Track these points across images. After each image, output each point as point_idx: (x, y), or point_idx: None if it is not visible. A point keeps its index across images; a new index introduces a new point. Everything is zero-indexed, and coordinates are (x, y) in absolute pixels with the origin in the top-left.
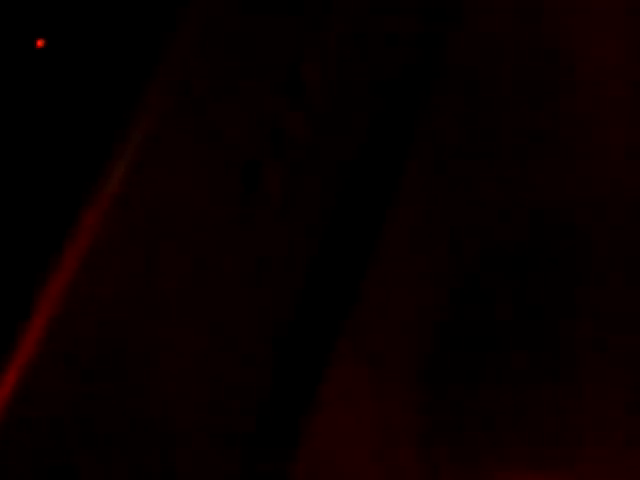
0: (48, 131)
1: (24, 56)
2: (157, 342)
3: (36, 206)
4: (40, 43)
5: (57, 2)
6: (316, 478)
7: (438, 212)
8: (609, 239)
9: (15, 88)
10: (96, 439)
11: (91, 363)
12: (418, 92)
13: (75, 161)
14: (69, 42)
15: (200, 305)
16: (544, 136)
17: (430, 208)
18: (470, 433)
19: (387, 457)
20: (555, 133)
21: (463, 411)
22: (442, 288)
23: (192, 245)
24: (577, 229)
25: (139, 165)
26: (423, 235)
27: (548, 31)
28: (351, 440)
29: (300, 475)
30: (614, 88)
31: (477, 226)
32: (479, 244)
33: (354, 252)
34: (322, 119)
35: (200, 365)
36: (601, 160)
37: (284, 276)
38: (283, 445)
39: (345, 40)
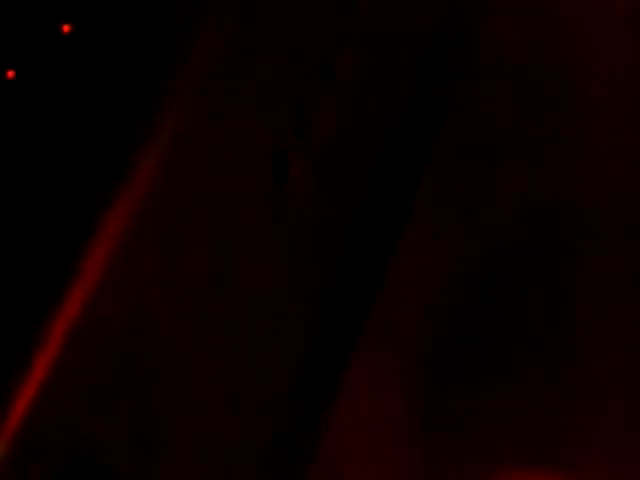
0: (75, 131)
1: (49, 53)
2: (187, 341)
3: (59, 208)
4: (66, 28)
5: None
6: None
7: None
8: (609, 239)
9: (37, 87)
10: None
11: (110, 374)
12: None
13: (100, 162)
14: (92, 39)
15: (231, 301)
16: (546, 139)
17: (446, 209)
18: (470, 433)
19: (387, 457)
20: (556, 136)
21: (463, 411)
22: (443, 288)
23: (221, 243)
24: (578, 229)
25: (165, 163)
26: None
27: (550, 43)
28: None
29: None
30: (614, 90)
31: (478, 226)
32: (480, 244)
33: (379, 246)
34: (350, 114)
35: (226, 363)
36: (601, 161)
37: (314, 271)
38: (304, 444)
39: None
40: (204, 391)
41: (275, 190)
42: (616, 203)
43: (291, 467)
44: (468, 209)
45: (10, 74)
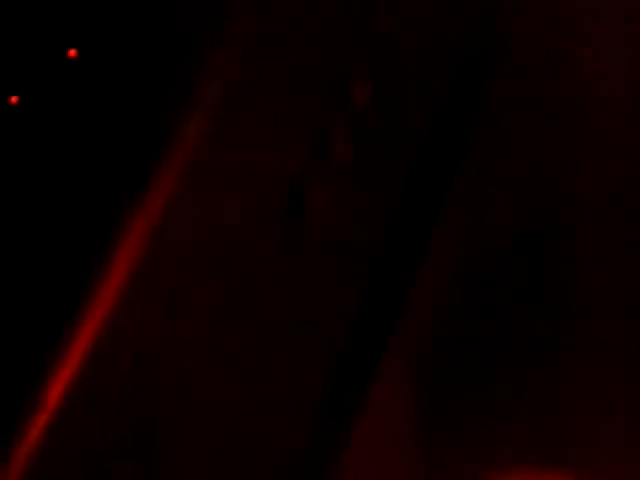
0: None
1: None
2: (198, 375)
3: (74, 233)
4: (72, 53)
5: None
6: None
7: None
8: (609, 240)
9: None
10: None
11: (125, 399)
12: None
13: (113, 190)
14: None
15: (246, 335)
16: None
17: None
18: (470, 433)
19: (387, 457)
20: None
21: (463, 411)
22: (443, 288)
23: (235, 275)
24: (578, 230)
25: (177, 195)
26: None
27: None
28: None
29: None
30: (614, 94)
31: (478, 226)
32: (481, 244)
33: (399, 275)
34: (368, 143)
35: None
36: (602, 161)
37: (333, 307)
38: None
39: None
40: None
41: (291, 223)
42: (616, 204)
43: None
44: (468, 209)
45: (14, 100)
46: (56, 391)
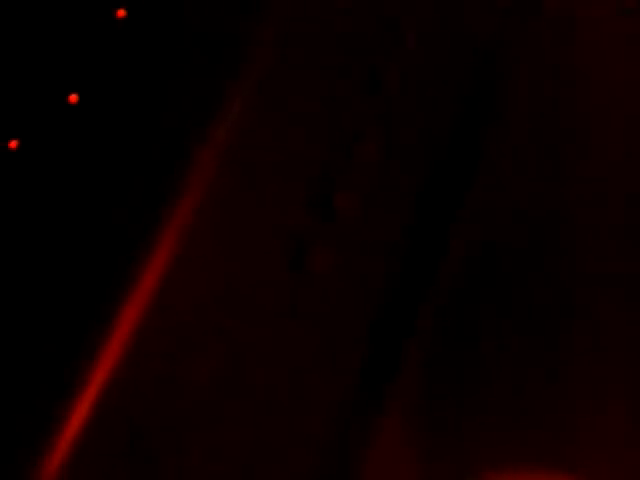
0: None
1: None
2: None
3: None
4: (73, 98)
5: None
6: None
7: None
8: (610, 239)
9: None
10: None
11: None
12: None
13: (106, 256)
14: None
15: (247, 398)
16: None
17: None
18: (469, 433)
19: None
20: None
21: (463, 411)
22: (443, 286)
23: (233, 335)
24: (578, 230)
25: (177, 252)
26: None
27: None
28: None
29: None
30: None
31: (479, 226)
32: (481, 244)
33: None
34: (372, 194)
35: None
36: (601, 161)
37: (337, 364)
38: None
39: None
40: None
41: (292, 276)
42: (616, 205)
43: None
44: (467, 210)
45: (12, 144)
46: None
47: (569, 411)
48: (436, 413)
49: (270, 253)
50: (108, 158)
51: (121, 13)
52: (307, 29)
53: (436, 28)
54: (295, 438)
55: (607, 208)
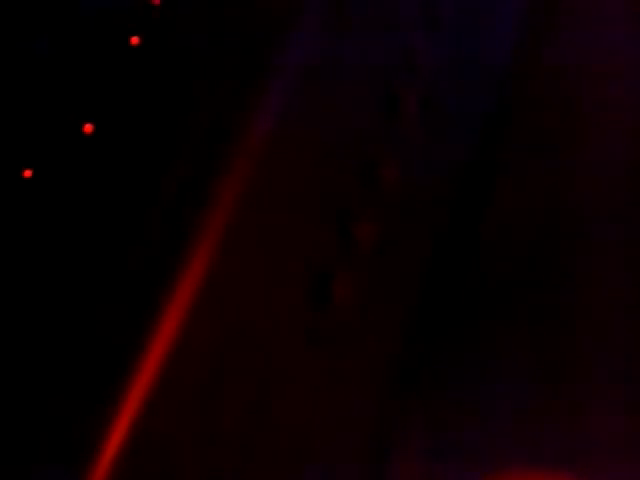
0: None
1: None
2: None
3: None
4: (88, 128)
5: None
6: None
7: None
8: (610, 239)
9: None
10: None
11: None
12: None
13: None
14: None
15: (271, 431)
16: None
17: None
18: (470, 433)
19: (386, 457)
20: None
21: (463, 412)
22: (443, 287)
23: (259, 370)
24: (578, 230)
25: (200, 289)
26: None
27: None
28: None
29: None
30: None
31: (485, 229)
32: (481, 244)
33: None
34: (392, 227)
35: None
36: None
37: (363, 393)
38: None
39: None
40: None
41: (315, 314)
42: (617, 203)
43: None
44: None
45: (27, 173)
46: None
47: (569, 411)
48: (436, 413)
49: (294, 286)
50: (121, 191)
51: (135, 40)
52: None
53: None
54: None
55: (605, 212)
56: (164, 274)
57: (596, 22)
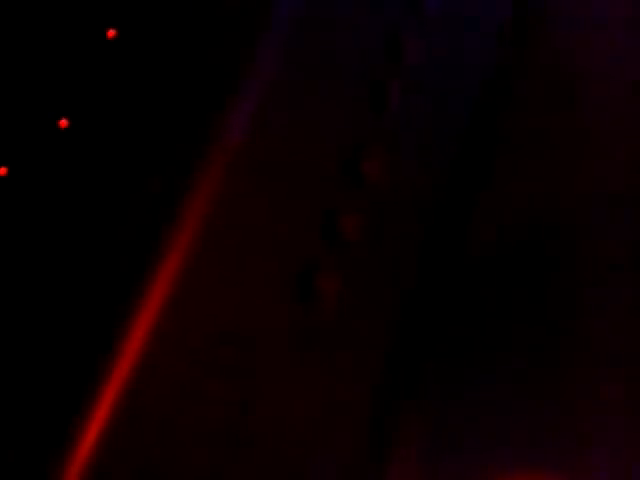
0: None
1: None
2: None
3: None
4: (64, 123)
5: None
6: None
7: None
8: (610, 239)
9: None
10: None
11: None
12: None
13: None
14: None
15: (260, 432)
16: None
17: None
18: (470, 433)
19: (386, 457)
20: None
21: (463, 412)
22: (443, 287)
23: (244, 370)
24: (578, 229)
25: (182, 290)
26: None
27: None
28: None
29: None
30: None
31: (480, 226)
32: (481, 244)
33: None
34: (379, 224)
35: None
36: (601, 160)
37: (349, 401)
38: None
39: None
40: None
41: (302, 306)
42: (617, 203)
43: None
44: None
45: (2, 171)
46: None
47: (569, 411)
48: (436, 414)
49: (278, 283)
50: (99, 189)
51: (112, 33)
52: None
53: None
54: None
55: (605, 212)
56: (143, 269)
57: (596, 22)
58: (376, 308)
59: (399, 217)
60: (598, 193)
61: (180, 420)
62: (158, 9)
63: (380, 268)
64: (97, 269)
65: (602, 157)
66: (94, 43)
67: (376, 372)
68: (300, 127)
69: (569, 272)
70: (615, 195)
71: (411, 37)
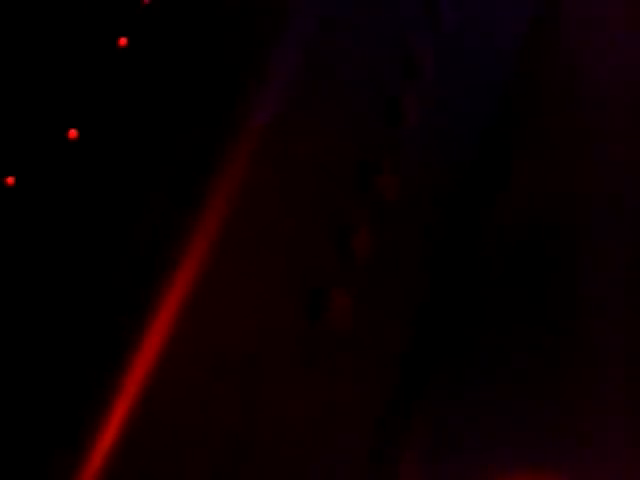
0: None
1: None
2: None
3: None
4: (73, 134)
5: None
6: None
7: None
8: (610, 239)
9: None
10: None
11: None
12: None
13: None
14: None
15: (265, 449)
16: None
17: None
18: (470, 433)
19: (387, 457)
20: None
21: (463, 412)
22: (443, 287)
23: (251, 388)
24: (578, 229)
25: (194, 301)
26: None
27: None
28: None
29: None
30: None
31: (480, 226)
32: (481, 244)
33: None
34: (389, 243)
35: None
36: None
37: (355, 421)
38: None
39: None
40: None
41: (311, 327)
42: (617, 203)
43: None
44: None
45: (10, 180)
46: None
47: (570, 412)
48: (436, 414)
49: (289, 300)
50: (108, 198)
51: (123, 42)
52: None
53: None
54: None
55: (606, 207)
56: (154, 286)
57: (596, 22)
58: (388, 323)
59: (411, 232)
60: (598, 193)
61: (191, 428)
62: (172, 14)
63: (392, 283)
64: (112, 277)
65: (602, 157)
66: (105, 52)
67: (385, 385)
68: (313, 142)
69: (569, 272)
70: (615, 195)
71: (427, 54)
